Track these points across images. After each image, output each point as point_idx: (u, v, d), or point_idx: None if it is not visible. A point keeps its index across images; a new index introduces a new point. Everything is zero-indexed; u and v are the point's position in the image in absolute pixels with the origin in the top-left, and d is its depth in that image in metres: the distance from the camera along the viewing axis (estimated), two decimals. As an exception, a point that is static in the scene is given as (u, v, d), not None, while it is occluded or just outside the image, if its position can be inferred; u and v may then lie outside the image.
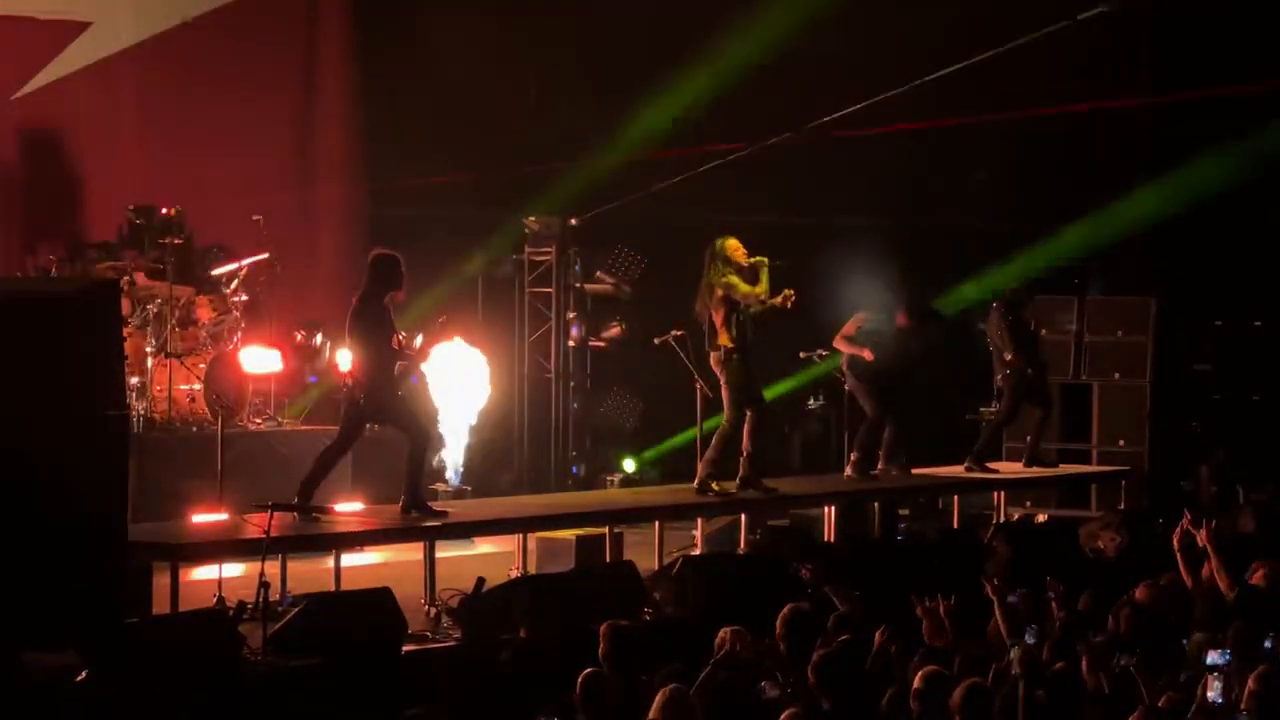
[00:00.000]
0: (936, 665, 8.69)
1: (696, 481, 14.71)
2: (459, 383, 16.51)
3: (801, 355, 16.98)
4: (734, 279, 14.45)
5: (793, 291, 14.56)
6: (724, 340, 14.49)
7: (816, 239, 20.37)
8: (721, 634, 9.42)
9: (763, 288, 14.45)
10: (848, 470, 16.33)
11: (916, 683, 8.42)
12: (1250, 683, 8.28)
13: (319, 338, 17.21)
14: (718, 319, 14.50)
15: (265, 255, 16.70)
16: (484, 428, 17.41)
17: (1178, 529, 11.51)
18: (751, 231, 15.13)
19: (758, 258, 14.51)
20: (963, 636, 9.90)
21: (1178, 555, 11.40)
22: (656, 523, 14.45)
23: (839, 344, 16.34)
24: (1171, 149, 20.95)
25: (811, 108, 20.52)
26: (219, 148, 18.46)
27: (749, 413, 14.61)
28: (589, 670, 8.97)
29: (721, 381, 14.62)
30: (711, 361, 14.67)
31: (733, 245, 14.52)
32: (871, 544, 15.28)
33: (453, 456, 16.97)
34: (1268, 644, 9.43)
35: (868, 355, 16.13)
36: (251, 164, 18.70)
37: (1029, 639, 9.70)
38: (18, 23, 17.44)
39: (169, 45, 18.29)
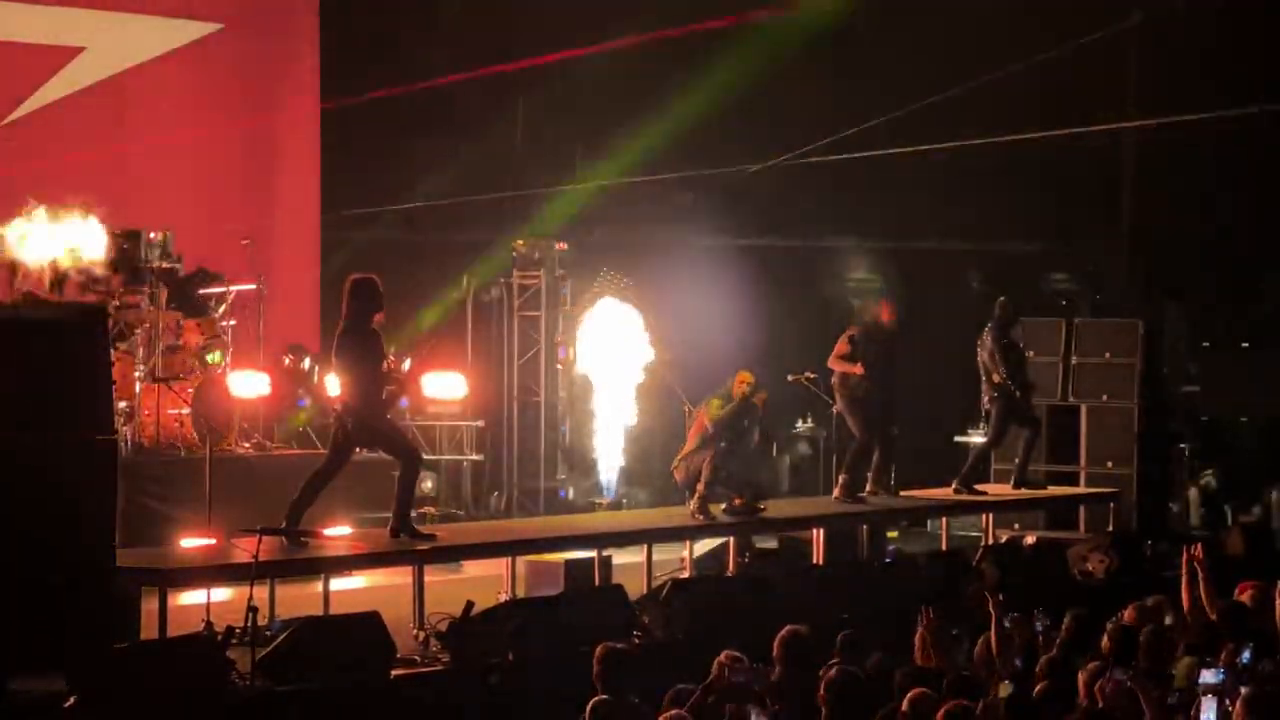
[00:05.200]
0: (924, 688, 8.65)
1: (695, 502, 14.78)
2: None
3: (789, 378, 16.98)
4: (716, 402, 14.88)
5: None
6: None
7: (803, 260, 20.48)
8: (719, 659, 9.41)
9: (721, 415, 14.79)
10: (836, 492, 16.33)
11: (904, 706, 8.39)
12: (1238, 707, 8.27)
13: (307, 361, 17.20)
14: (693, 428, 15.03)
15: (253, 286, 16.68)
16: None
17: (1187, 551, 11.50)
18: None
19: (740, 390, 14.85)
20: (945, 659, 9.89)
21: (1183, 577, 11.39)
22: (645, 546, 14.44)
23: (833, 363, 16.35)
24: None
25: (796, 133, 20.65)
26: (207, 172, 18.47)
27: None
28: (599, 698, 8.92)
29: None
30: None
31: (742, 376, 14.95)
32: (860, 566, 15.27)
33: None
34: (1245, 656, 9.44)
35: (858, 370, 16.14)
36: (239, 188, 18.70)
37: (1017, 662, 9.69)
38: (10, 48, 17.45)
39: (159, 71, 18.29)
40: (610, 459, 16.93)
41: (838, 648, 9.93)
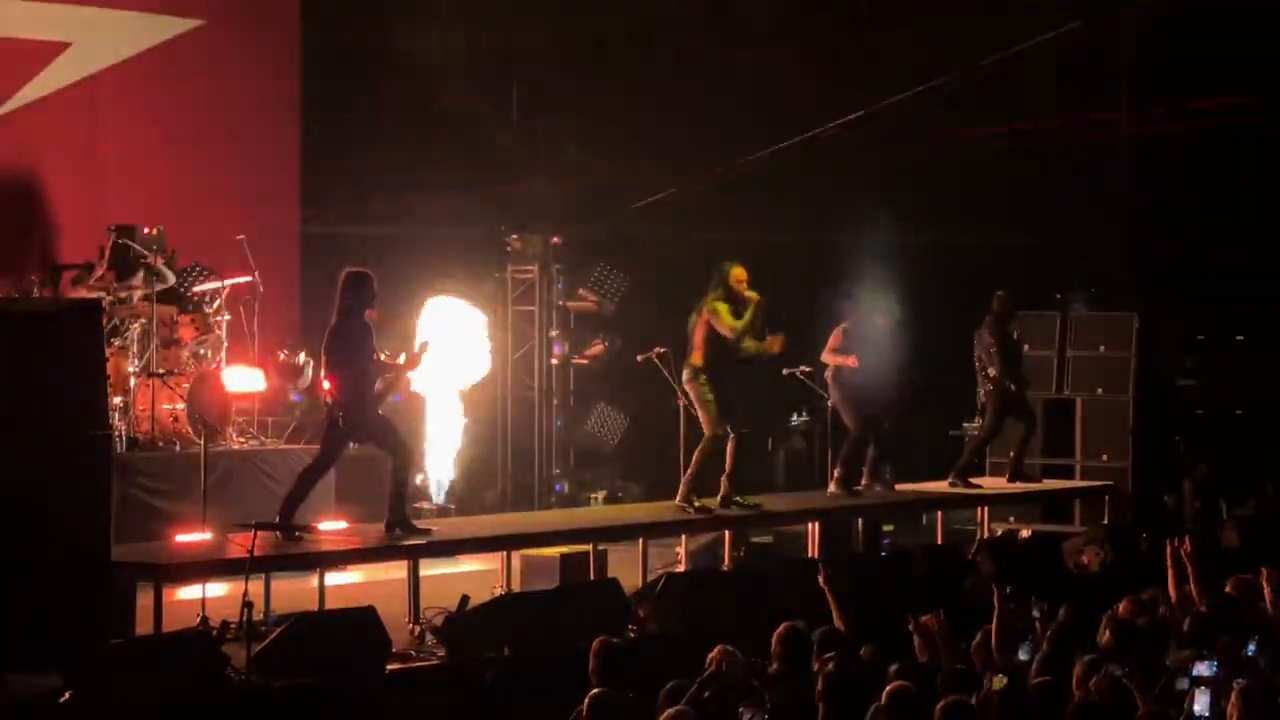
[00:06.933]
0: (907, 681, 8.61)
1: (678, 497, 14.74)
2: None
3: (784, 372, 16.97)
4: (722, 306, 14.52)
5: (782, 337, 14.66)
6: (695, 359, 14.58)
7: (806, 254, 20.46)
8: (713, 653, 9.39)
9: (743, 323, 14.49)
10: (831, 486, 16.32)
11: (883, 700, 8.35)
12: (1233, 698, 8.28)
13: (302, 356, 17.18)
14: (697, 336, 14.56)
15: (248, 278, 16.66)
16: (468, 445, 17.43)
17: (1171, 545, 11.51)
18: (735, 247, 15.18)
19: (751, 294, 14.52)
20: (948, 653, 9.87)
21: (1169, 570, 11.41)
22: (640, 540, 14.44)
23: (826, 357, 16.34)
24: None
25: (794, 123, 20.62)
26: (199, 167, 18.44)
27: (730, 431, 14.64)
28: (597, 691, 8.90)
29: (692, 398, 14.68)
30: (684, 378, 14.74)
31: (737, 274, 14.62)
32: (856, 560, 15.26)
33: (436, 475, 17.00)
34: (1250, 649, 9.46)
35: (852, 362, 16.13)
36: (232, 183, 18.66)
37: (1023, 655, 9.68)
38: (-3, 43, 17.43)
39: (148, 65, 18.26)
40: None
41: (816, 645, 9.88)
